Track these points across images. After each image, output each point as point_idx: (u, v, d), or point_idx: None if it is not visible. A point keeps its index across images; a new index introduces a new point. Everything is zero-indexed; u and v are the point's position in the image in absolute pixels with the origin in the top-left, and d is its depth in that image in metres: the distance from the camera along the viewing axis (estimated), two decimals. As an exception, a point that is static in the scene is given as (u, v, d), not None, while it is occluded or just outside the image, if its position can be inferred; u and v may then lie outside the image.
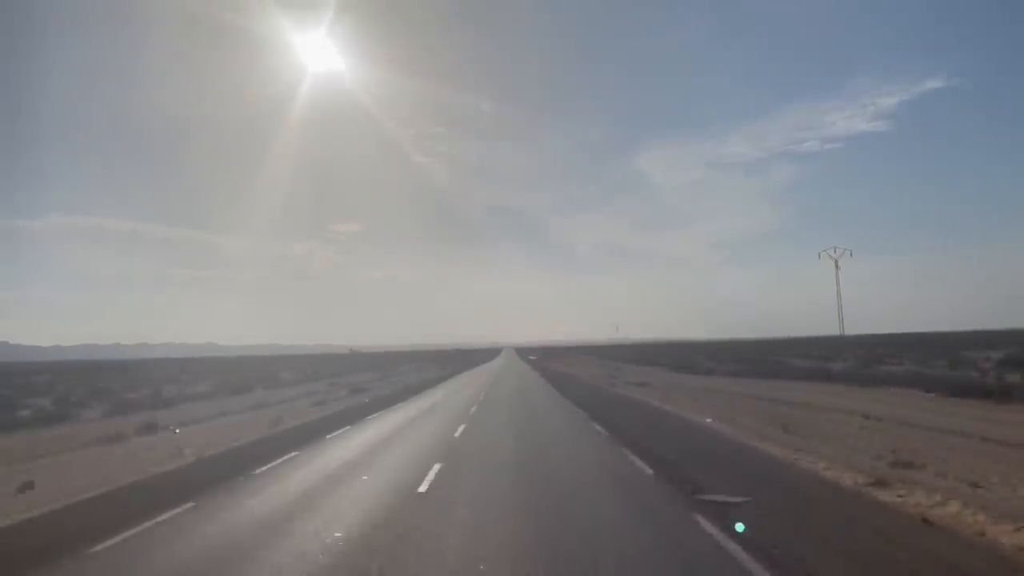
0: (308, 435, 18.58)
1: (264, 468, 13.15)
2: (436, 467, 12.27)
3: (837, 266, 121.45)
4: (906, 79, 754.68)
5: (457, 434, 17.21)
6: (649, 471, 11.33)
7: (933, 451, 12.40)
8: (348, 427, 20.31)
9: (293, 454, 14.98)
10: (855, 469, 10.84)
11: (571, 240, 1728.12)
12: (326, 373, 76.08)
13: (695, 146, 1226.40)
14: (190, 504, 9.95)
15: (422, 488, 10.52)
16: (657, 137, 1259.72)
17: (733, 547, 6.88)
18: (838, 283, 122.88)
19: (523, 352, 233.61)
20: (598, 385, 38.94)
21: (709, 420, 19.03)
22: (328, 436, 18.14)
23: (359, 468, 12.73)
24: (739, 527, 7.57)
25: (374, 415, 24.14)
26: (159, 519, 9.04)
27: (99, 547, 7.76)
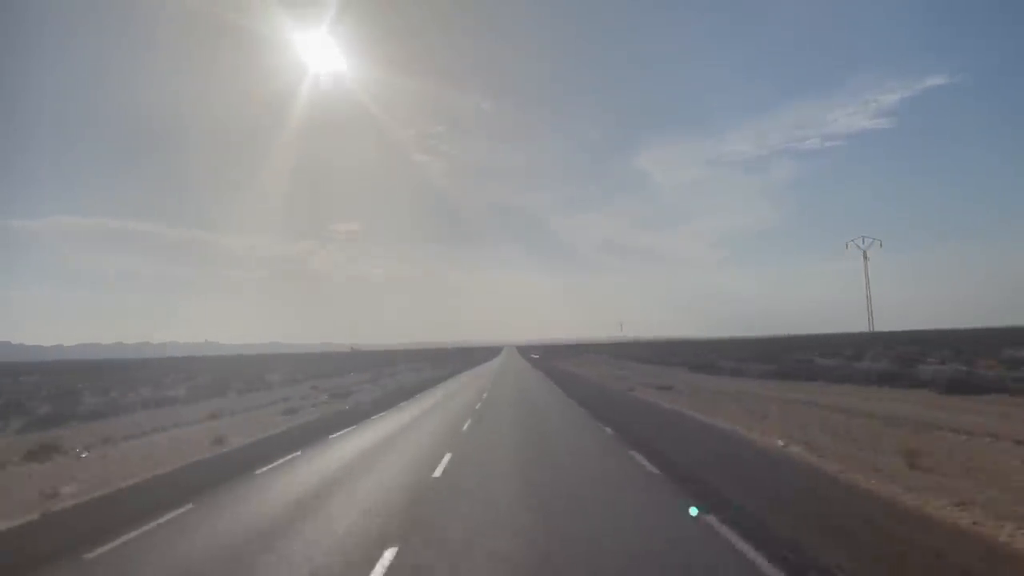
0: (241, 464, 13.78)
1: (129, 536, 8.29)
2: (390, 553, 7.24)
3: (865, 257, 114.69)
4: (908, 76, 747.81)
5: (437, 473, 12.09)
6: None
7: None
8: (298, 452, 15.45)
9: (187, 507, 10.05)
10: None
11: (572, 239, 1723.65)
12: (317, 373, 71.80)
13: (696, 144, 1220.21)
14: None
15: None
16: (658, 135, 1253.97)
17: None
18: (867, 275, 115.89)
19: (524, 351, 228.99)
20: (613, 389, 33.97)
21: (781, 443, 14.12)
22: (259, 471, 13.20)
23: (276, 541, 7.84)
24: None
25: (341, 433, 19.27)
26: None
27: None
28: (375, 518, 8.76)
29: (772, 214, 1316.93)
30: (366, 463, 13.56)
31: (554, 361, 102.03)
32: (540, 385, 41.16)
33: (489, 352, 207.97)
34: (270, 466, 13.66)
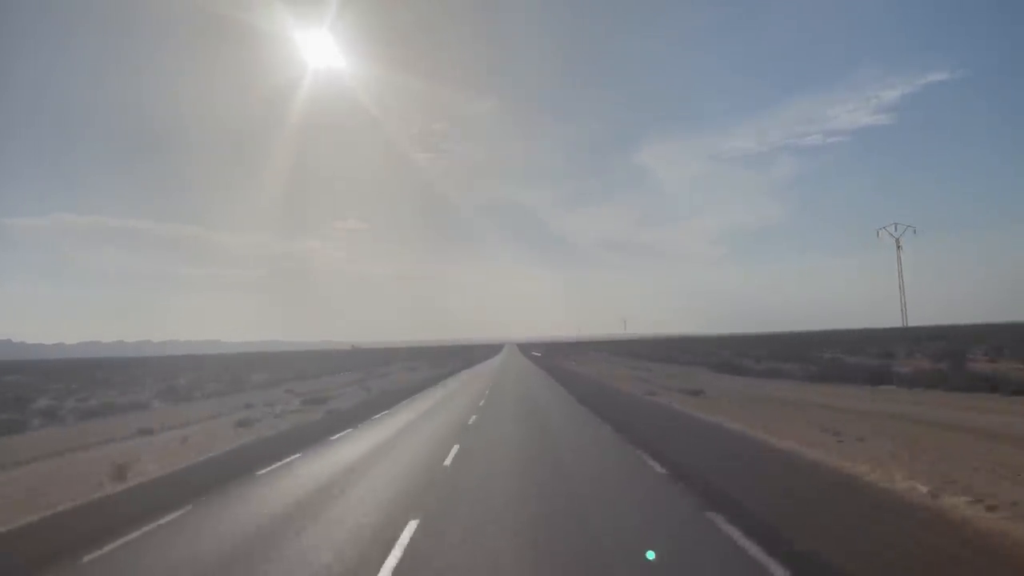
0: (131, 514, 9.07)
1: None
2: None
3: (898, 245, 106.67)
4: (909, 72, 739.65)
5: (411, 537, 7.38)
6: None
7: None
8: (189, 507, 10.56)
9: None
10: None
11: (573, 235, 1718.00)
12: (306, 374, 67.35)
13: (697, 140, 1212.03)
14: None
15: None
16: (659, 131, 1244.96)
17: None
18: (899, 263, 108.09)
19: (525, 348, 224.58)
20: (634, 395, 29.08)
21: (925, 490, 9.24)
22: (139, 530, 8.37)
23: None
24: None
25: (283, 463, 14.43)
26: None
27: None
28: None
29: (774, 210, 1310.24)
30: (328, 499, 9.20)
31: (557, 359, 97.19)
32: (545, 390, 36.27)
33: (490, 350, 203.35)
34: (174, 515, 8.85)
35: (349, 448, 16.29)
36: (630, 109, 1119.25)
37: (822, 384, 32.05)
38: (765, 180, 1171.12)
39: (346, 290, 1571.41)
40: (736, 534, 7.55)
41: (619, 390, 31.76)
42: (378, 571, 6.70)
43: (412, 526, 8.40)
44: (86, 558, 7.68)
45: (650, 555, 6.80)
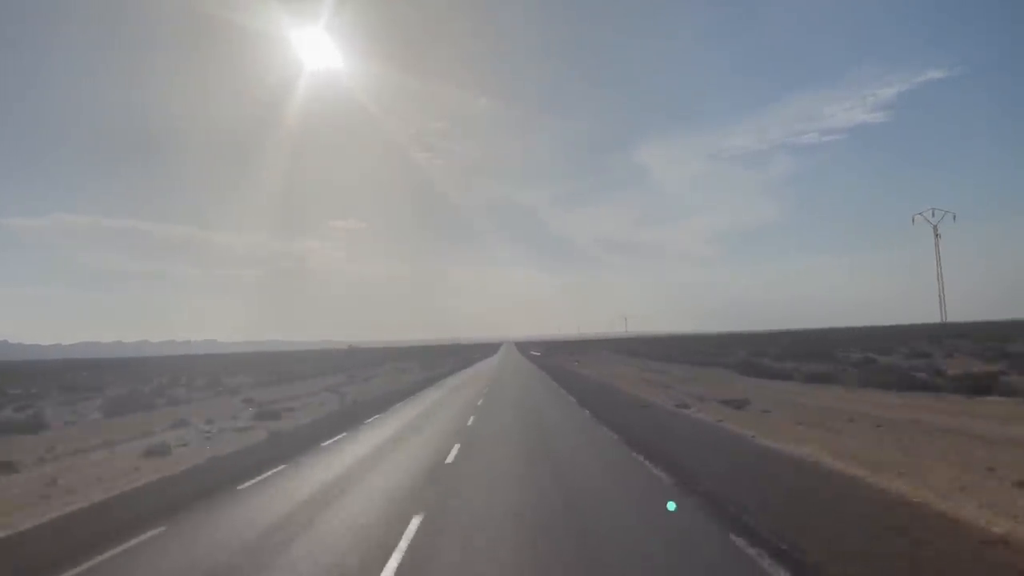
0: None
1: None
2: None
3: (936, 233, 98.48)
4: (906, 69, 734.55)
5: None
6: None
7: None
8: None
9: None
10: None
11: (571, 234, 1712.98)
12: (288, 375, 62.42)
13: (695, 139, 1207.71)
14: None
15: None
16: (658, 130, 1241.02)
17: None
18: (938, 252, 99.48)
19: (524, 347, 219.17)
20: (660, 407, 23.64)
21: None
22: None
23: None
24: None
25: (149, 534, 8.95)
26: None
27: None
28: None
29: (772, 208, 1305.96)
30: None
31: (557, 358, 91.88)
32: (548, 396, 30.91)
33: (488, 349, 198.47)
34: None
35: (258, 507, 10.69)
36: (629, 108, 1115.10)
37: (879, 391, 26.67)
38: (763, 178, 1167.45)
39: (344, 290, 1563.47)
40: None
41: (641, 400, 26.25)
42: None
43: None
44: None
45: None
